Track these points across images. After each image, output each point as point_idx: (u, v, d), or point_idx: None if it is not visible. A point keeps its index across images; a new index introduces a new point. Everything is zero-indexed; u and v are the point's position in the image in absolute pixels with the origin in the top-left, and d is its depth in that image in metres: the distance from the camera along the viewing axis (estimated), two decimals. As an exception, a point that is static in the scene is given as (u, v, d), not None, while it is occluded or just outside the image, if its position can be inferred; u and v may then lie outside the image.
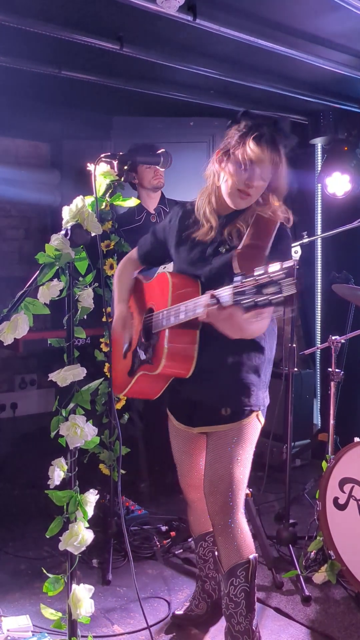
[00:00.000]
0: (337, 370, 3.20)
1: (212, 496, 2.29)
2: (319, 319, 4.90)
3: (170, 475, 4.08)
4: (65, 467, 2.08)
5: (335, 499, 2.93)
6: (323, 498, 2.96)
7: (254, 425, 2.31)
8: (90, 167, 2.20)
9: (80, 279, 2.10)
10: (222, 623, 2.69)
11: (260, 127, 2.16)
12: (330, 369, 3.21)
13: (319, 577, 3.00)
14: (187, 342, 2.23)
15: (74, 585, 2.10)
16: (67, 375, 2.05)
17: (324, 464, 3.12)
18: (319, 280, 4.89)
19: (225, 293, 1.89)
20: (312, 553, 3.09)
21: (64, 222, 2.11)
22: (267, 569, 3.07)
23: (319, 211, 4.84)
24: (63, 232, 2.06)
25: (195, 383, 2.28)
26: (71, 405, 2.06)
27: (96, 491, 2.15)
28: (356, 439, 2.92)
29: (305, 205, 4.90)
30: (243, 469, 2.29)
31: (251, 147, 2.10)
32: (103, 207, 3.00)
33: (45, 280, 2.04)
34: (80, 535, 2.05)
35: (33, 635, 2.52)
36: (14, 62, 3.19)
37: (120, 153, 2.25)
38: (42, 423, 4.52)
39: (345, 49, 3.24)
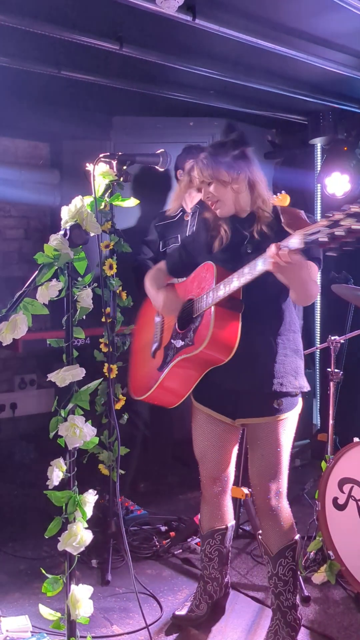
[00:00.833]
0: (336, 370, 3.20)
1: (267, 484, 2.41)
2: (318, 319, 4.90)
3: (170, 476, 4.10)
4: (64, 468, 2.08)
5: (335, 499, 2.93)
6: (322, 498, 2.96)
7: (297, 414, 2.46)
8: (90, 167, 2.20)
9: (79, 279, 2.10)
10: (221, 623, 2.70)
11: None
12: (329, 369, 3.21)
13: (318, 577, 3.00)
14: (230, 322, 2.30)
15: (72, 586, 2.10)
16: (66, 375, 2.04)
17: (324, 464, 3.12)
18: (319, 281, 4.88)
19: (293, 239, 1.99)
20: (312, 553, 3.09)
21: (62, 222, 2.11)
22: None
23: (319, 211, 4.84)
24: (62, 232, 2.06)
25: (238, 369, 2.34)
26: (70, 405, 2.06)
27: (95, 491, 2.15)
28: (355, 439, 2.92)
29: (305, 205, 4.89)
30: (288, 457, 2.45)
31: (192, 174, 2.45)
32: (102, 207, 3.01)
33: (44, 281, 2.04)
34: (79, 536, 2.05)
35: (32, 635, 2.52)
36: (14, 62, 3.19)
37: (120, 153, 2.25)
38: (41, 423, 4.52)
39: (345, 49, 3.24)
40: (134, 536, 3.41)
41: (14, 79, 3.48)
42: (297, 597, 2.51)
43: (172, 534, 3.43)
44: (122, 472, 3.09)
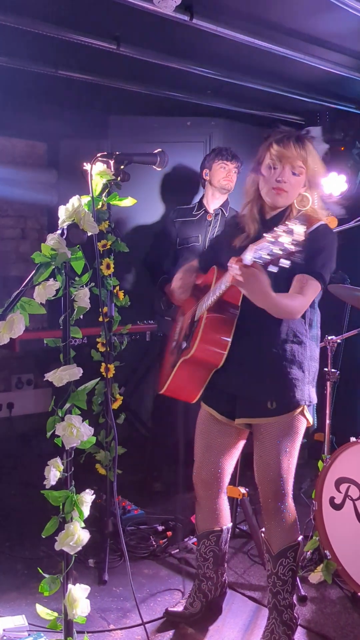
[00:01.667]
0: (333, 370, 3.21)
1: (265, 485, 2.44)
2: (316, 319, 4.90)
3: (167, 475, 4.10)
4: (62, 467, 2.08)
5: (332, 499, 2.93)
6: (319, 498, 2.97)
7: (299, 420, 2.41)
8: (87, 166, 2.20)
9: (77, 278, 2.10)
10: (218, 623, 2.70)
11: (281, 132, 2.40)
12: (326, 369, 3.21)
13: (315, 576, 3.00)
14: (223, 326, 2.32)
15: (70, 585, 2.10)
16: (63, 375, 2.05)
17: (320, 464, 3.12)
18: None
19: (247, 252, 1.97)
20: (308, 553, 3.10)
21: (60, 221, 2.11)
22: (264, 569, 3.07)
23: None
24: (59, 231, 2.06)
25: (239, 374, 2.38)
26: (67, 405, 2.06)
27: (92, 491, 2.16)
28: (352, 439, 2.92)
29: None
30: (290, 459, 2.43)
31: (274, 147, 2.34)
32: (99, 206, 3.01)
33: (41, 280, 2.04)
34: (76, 535, 2.05)
35: (29, 635, 2.52)
36: (11, 62, 3.19)
37: (117, 153, 2.25)
38: (38, 423, 4.52)
39: (341, 49, 3.24)
40: (131, 536, 3.41)
41: (12, 78, 3.48)
42: (295, 596, 2.53)
43: (169, 533, 3.43)
44: (120, 471, 3.08)
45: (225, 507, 2.68)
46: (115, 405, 3.22)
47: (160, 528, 3.49)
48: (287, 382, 2.37)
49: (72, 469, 2.10)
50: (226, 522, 2.68)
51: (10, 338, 2.01)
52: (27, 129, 4.55)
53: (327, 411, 3.20)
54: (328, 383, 3.21)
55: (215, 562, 2.68)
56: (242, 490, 3.13)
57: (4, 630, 2.50)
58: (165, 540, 3.36)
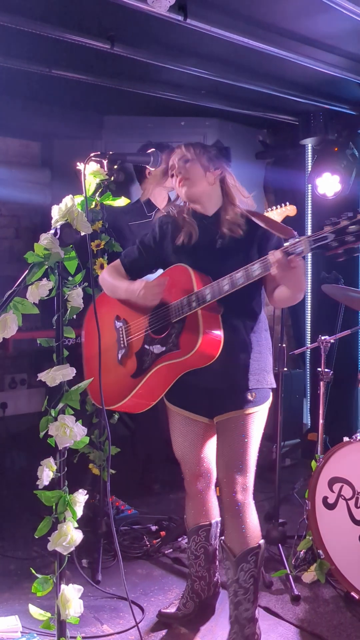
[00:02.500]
0: (326, 370, 3.21)
1: (235, 477, 2.39)
2: (309, 319, 4.92)
3: (160, 475, 4.10)
4: (55, 467, 2.07)
5: (325, 499, 2.94)
6: (312, 497, 2.97)
7: (266, 411, 2.46)
8: (80, 166, 2.19)
9: (70, 278, 2.10)
10: (211, 623, 2.70)
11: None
12: (319, 369, 3.22)
13: (308, 576, 3.01)
14: (214, 324, 2.33)
15: (62, 586, 2.10)
16: (56, 375, 2.04)
17: (314, 464, 3.13)
18: (309, 281, 4.90)
19: (299, 245, 2.09)
20: (302, 552, 3.10)
21: (53, 221, 2.10)
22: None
23: (309, 212, 4.85)
24: (52, 231, 2.05)
25: (217, 369, 2.35)
26: (60, 405, 2.06)
27: (85, 491, 2.15)
28: (345, 439, 2.93)
29: (296, 205, 4.90)
30: (254, 452, 2.42)
31: (172, 157, 2.50)
32: (93, 206, 3.01)
33: (34, 280, 2.04)
34: (69, 536, 2.05)
35: (22, 635, 2.51)
36: (4, 61, 3.18)
37: (110, 152, 2.24)
38: (31, 423, 4.51)
39: (335, 50, 3.25)
40: (125, 536, 3.41)
41: (5, 77, 3.47)
42: (257, 610, 2.43)
43: (163, 533, 3.43)
44: (113, 471, 3.08)
45: (214, 501, 2.67)
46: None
47: (153, 528, 3.49)
48: (263, 370, 2.42)
49: (65, 469, 2.10)
50: (215, 516, 2.67)
51: (3, 338, 2.01)
52: (21, 128, 4.54)
53: (321, 411, 3.21)
54: (322, 383, 3.21)
55: (207, 559, 2.66)
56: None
57: (-4, 630, 2.49)
58: (159, 540, 3.36)
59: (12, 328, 1.99)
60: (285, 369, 3.35)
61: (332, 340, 3.24)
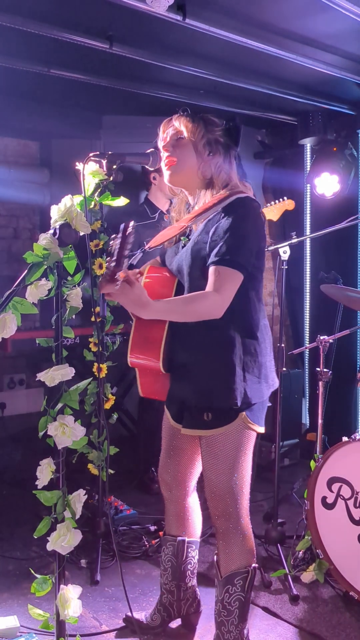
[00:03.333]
0: (325, 370, 3.21)
1: (212, 502, 2.25)
2: (308, 319, 4.92)
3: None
4: (54, 467, 2.07)
5: (324, 499, 2.94)
6: (311, 497, 2.97)
7: (243, 432, 2.18)
8: (79, 166, 2.19)
9: (69, 278, 2.10)
10: (210, 622, 2.69)
11: None
12: (318, 369, 3.22)
13: (307, 576, 3.01)
14: (153, 328, 2.17)
15: (62, 586, 2.10)
16: (55, 375, 2.04)
17: (313, 464, 3.13)
18: (308, 281, 4.90)
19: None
20: (300, 552, 3.10)
21: (52, 221, 2.10)
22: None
23: (308, 212, 4.86)
24: (51, 231, 2.05)
25: (179, 380, 2.24)
26: (59, 405, 2.06)
27: (84, 491, 2.15)
28: (344, 439, 2.93)
29: (294, 205, 4.91)
30: (238, 476, 2.20)
31: (167, 126, 2.27)
32: (92, 206, 3.01)
33: (33, 280, 2.04)
34: (68, 536, 2.05)
35: (21, 635, 2.51)
36: (3, 61, 3.18)
37: (109, 152, 2.24)
38: (30, 423, 4.50)
39: (334, 49, 3.25)
40: (123, 536, 3.41)
41: (4, 77, 3.47)
42: (245, 631, 2.27)
43: (162, 533, 3.41)
44: (112, 471, 3.08)
45: (190, 517, 2.50)
46: (108, 405, 3.21)
47: (152, 528, 3.48)
48: (218, 387, 2.13)
49: (64, 469, 2.10)
50: (187, 533, 2.50)
51: (2, 338, 2.01)
52: (20, 128, 4.54)
53: (320, 411, 3.21)
54: (320, 383, 3.21)
55: (174, 575, 2.49)
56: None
57: (-5, 631, 2.49)
58: (158, 540, 3.35)
59: (12, 328, 1.99)
60: (284, 369, 3.35)
61: (331, 340, 3.24)
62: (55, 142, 4.60)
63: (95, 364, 3.14)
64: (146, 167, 2.39)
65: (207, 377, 2.16)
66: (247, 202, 2.13)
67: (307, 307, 4.92)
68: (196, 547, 2.55)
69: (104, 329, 3.19)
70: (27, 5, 2.68)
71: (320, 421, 3.21)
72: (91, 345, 3.23)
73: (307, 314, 4.92)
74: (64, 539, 2.04)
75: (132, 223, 1.84)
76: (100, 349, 3.14)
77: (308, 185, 4.56)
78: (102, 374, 3.13)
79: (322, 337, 3.22)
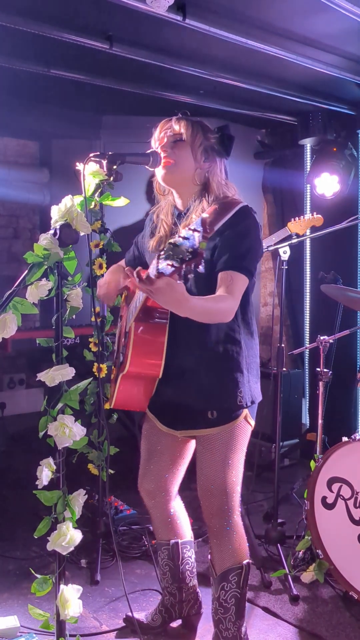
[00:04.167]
0: (325, 370, 3.21)
1: (207, 501, 2.26)
2: (308, 319, 4.92)
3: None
4: (54, 467, 2.07)
5: (324, 499, 2.94)
6: (311, 497, 2.97)
7: (243, 428, 2.24)
8: (80, 166, 2.19)
9: (69, 278, 2.10)
10: (210, 623, 2.70)
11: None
12: (318, 369, 3.22)
13: (307, 576, 3.01)
14: (154, 335, 2.17)
15: (62, 586, 2.10)
16: (55, 375, 2.04)
17: (313, 464, 3.13)
18: (308, 281, 4.90)
19: (153, 263, 1.78)
20: (300, 552, 3.10)
21: (52, 221, 2.10)
22: (256, 569, 3.08)
23: (308, 212, 4.85)
24: (52, 231, 2.05)
25: (175, 383, 2.23)
26: (60, 405, 2.06)
27: (84, 491, 2.15)
28: (344, 439, 2.93)
29: (294, 205, 4.92)
30: (235, 472, 2.25)
31: (164, 126, 2.28)
32: (92, 206, 3.01)
33: (33, 280, 2.04)
34: (69, 536, 2.05)
35: (21, 635, 2.51)
36: (3, 61, 3.18)
37: (110, 152, 2.24)
38: (30, 423, 4.49)
39: (334, 50, 3.25)
40: (123, 536, 3.41)
41: (4, 77, 3.47)
42: (243, 629, 2.29)
43: (154, 541, 3.42)
44: (112, 471, 3.08)
45: (177, 520, 2.51)
46: (108, 405, 3.21)
47: (152, 528, 3.48)
48: (226, 387, 2.20)
49: (64, 469, 2.10)
50: (178, 536, 2.51)
51: (3, 338, 2.01)
52: (19, 128, 4.54)
53: (320, 411, 3.21)
54: (320, 383, 3.21)
55: (174, 578, 2.52)
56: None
57: (-5, 631, 2.49)
58: (158, 540, 3.36)
59: (12, 328, 1.99)
60: (284, 369, 3.35)
61: (331, 341, 3.25)
62: (55, 142, 4.61)
63: (95, 364, 3.14)
64: (146, 167, 2.39)
65: (215, 378, 2.21)
66: (249, 211, 2.19)
67: (307, 307, 4.92)
68: (191, 546, 2.56)
69: (104, 329, 3.19)
70: (27, 5, 2.68)
71: (320, 421, 3.21)
72: (91, 345, 3.24)
73: (307, 314, 4.92)
74: (64, 539, 2.04)
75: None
76: (100, 349, 3.15)
77: (308, 185, 4.56)
78: (102, 374, 3.13)
79: (322, 337, 3.22)
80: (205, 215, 1.71)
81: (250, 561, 2.33)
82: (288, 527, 3.39)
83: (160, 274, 1.71)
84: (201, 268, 1.70)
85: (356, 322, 4.21)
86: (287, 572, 3.03)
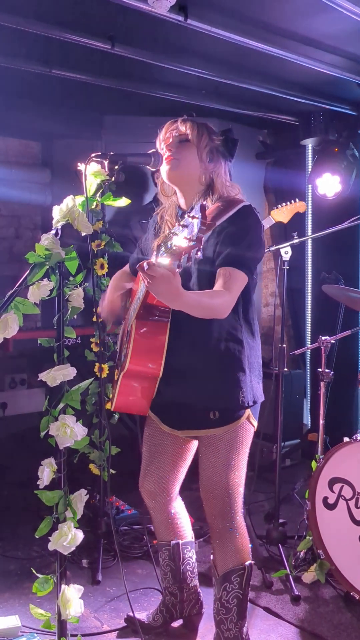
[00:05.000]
0: (327, 370, 3.21)
1: (209, 502, 2.27)
2: (309, 320, 4.92)
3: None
4: (55, 467, 2.08)
5: (325, 499, 2.94)
6: (312, 498, 2.97)
7: (246, 428, 2.24)
8: (81, 166, 2.20)
9: (71, 278, 2.10)
10: (212, 622, 2.70)
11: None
12: (320, 369, 3.22)
13: (308, 576, 3.01)
14: (155, 333, 2.17)
15: (63, 586, 2.10)
16: (57, 375, 2.05)
17: (314, 464, 3.13)
18: (309, 281, 4.90)
19: (153, 255, 1.82)
20: (302, 552, 3.10)
21: (54, 221, 2.10)
22: (257, 569, 3.08)
23: (310, 212, 4.85)
24: (53, 231, 2.06)
25: (177, 383, 2.23)
26: (61, 405, 2.06)
27: (86, 491, 2.15)
28: (346, 439, 2.93)
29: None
30: (238, 473, 2.25)
31: (169, 127, 2.31)
32: (94, 206, 3.01)
33: (35, 280, 2.04)
34: (70, 535, 2.05)
35: (22, 635, 2.51)
36: (5, 61, 3.18)
37: (111, 153, 2.24)
38: (31, 423, 4.50)
39: (335, 50, 3.25)
40: (125, 536, 3.41)
41: (5, 77, 3.47)
42: (244, 629, 2.30)
43: (155, 541, 3.42)
44: (113, 471, 3.08)
45: (178, 520, 2.52)
46: (109, 405, 3.22)
47: (153, 528, 3.48)
48: (228, 387, 2.20)
49: (66, 469, 2.10)
50: (179, 536, 2.51)
51: (4, 338, 2.01)
52: (21, 128, 4.54)
53: (321, 411, 3.21)
54: (322, 383, 3.21)
55: (175, 579, 2.53)
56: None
57: (-3, 630, 2.49)
58: (159, 540, 3.36)
59: (13, 328, 1.99)
60: (286, 369, 3.35)
61: (332, 341, 3.24)
62: (57, 142, 4.61)
63: (97, 364, 3.14)
64: (148, 167, 2.39)
65: (217, 378, 2.21)
66: (252, 210, 2.20)
67: (309, 307, 4.92)
68: (191, 547, 2.56)
69: (106, 329, 3.19)
70: (29, 5, 2.68)
71: (321, 421, 3.21)
72: (92, 346, 3.24)
73: (309, 315, 4.92)
74: (65, 539, 2.04)
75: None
76: (102, 349, 3.15)
77: (309, 185, 4.56)
78: (104, 374, 3.13)
79: (323, 338, 3.22)
80: (204, 202, 1.71)
81: (253, 562, 2.33)
82: (289, 527, 3.39)
83: (159, 263, 1.73)
84: (200, 255, 1.69)
85: (357, 323, 4.20)
86: (289, 572, 3.03)
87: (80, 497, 2.11)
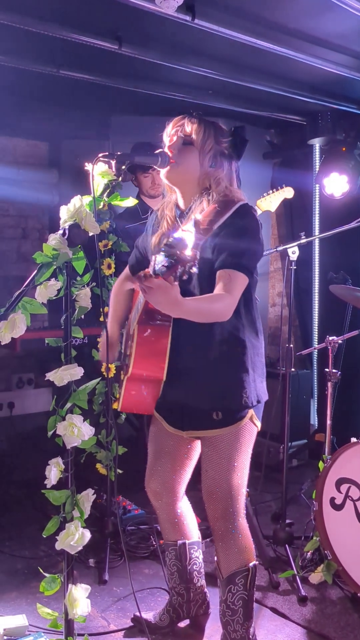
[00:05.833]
0: (334, 370, 3.20)
1: (212, 503, 2.26)
2: (317, 320, 4.91)
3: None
4: (62, 467, 2.08)
5: (332, 499, 2.93)
6: (319, 498, 2.97)
7: (249, 428, 2.24)
8: (88, 166, 2.20)
9: (78, 278, 2.10)
10: (218, 623, 2.70)
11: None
12: (327, 370, 3.21)
13: (316, 577, 3.00)
14: (157, 337, 2.17)
15: (70, 585, 2.10)
16: (64, 374, 2.05)
17: (321, 464, 3.12)
18: (317, 281, 4.89)
19: (151, 264, 1.81)
20: (309, 553, 3.10)
21: (61, 221, 2.11)
22: (264, 569, 3.07)
23: (317, 212, 4.85)
24: (61, 231, 2.06)
25: (181, 384, 2.23)
26: (68, 404, 2.07)
27: (93, 491, 2.16)
28: (353, 439, 2.92)
29: (303, 205, 4.91)
30: (240, 474, 2.25)
31: (176, 124, 2.28)
32: (101, 206, 3.01)
33: (42, 280, 2.05)
34: (77, 535, 2.06)
35: (29, 634, 2.52)
36: (13, 61, 3.19)
37: (118, 153, 2.24)
38: (39, 422, 4.52)
39: (343, 49, 3.24)
40: (132, 536, 3.41)
41: (13, 77, 3.48)
42: (251, 630, 2.30)
43: (162, 541, 3.42)
44: (120, 471, 3.09)
45: (184, 520, 2.51)
46: (116, 405, 3.22)
47: (160, 528, 3.48)
48: (231, 388, 2.19)
49: (73, 469, 2.10)
50: (185, 537, 2.51)
51: (12, 337, 2.01)
52: (29, 128, 4.55)
53: (328, 412, 3.20)
54: (329, 384, 3.20)
55: (182, 579, 2.52)
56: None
57: (4, 629, 2.50)
58: (166, 540, 3.36)
59: (21, 328, 2.00)
60: (293, 369, 3.34)
61: (339, 341, 3.24)
62: (64, 143, 4.62)
63: (104, 364, 3.14)
64: (155, 167, 2.39)
65: (220, 378, 2.20)
66: (249, 209, 2.19)
67: (316, 307, 4.91)
68: (198, 547, 2.56)
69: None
70: (36, 6, 2.69)
71: (329, 422, 3.21)
72: (99, 345, 3.23)
73: (316, 315, 4.91)
74: (72, 539, 2.05)
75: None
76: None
77: (317, 185, 4.55)
78: (111, 374, 3.13)
79: (331, 338, 3.21)
80: (198, 216, 1.71)
81: (257, 562, 2.32)
82: (296, 527, 3.38)
83: (156, 275, 1.73)
84: (195, 269, 1.69)
85: (365, 323, 4.20)
86: (296, 572, 3.02)
87: (87, 497, 2.12)
